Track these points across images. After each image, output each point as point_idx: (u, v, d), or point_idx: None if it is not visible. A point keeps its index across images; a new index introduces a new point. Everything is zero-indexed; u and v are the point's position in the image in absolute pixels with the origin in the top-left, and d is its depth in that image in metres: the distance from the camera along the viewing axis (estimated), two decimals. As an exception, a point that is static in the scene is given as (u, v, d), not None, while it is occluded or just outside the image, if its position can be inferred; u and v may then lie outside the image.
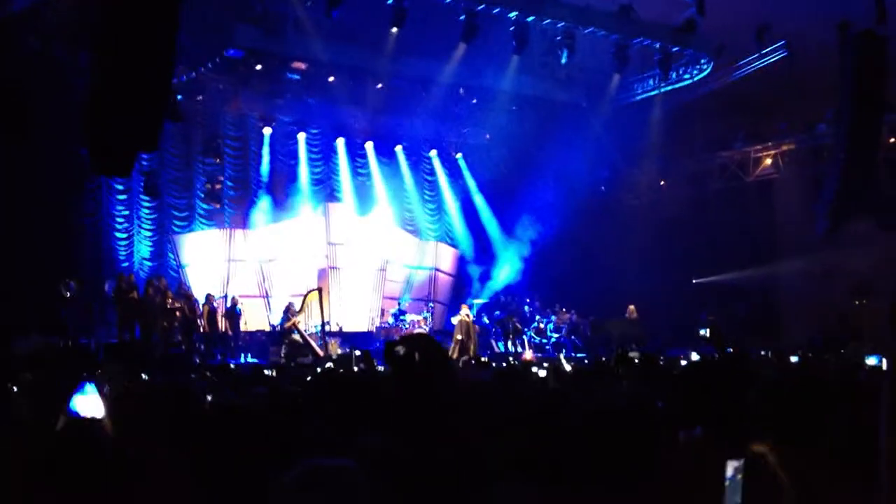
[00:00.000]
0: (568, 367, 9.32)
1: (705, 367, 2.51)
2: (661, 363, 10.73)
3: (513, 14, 20.34)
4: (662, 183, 28.45)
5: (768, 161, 27.10)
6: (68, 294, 19.18)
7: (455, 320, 22.44)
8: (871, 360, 11.81)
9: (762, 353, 16.23)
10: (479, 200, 27.56)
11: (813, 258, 24.05)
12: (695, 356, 16.33)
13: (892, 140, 23.89)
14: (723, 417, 2.45)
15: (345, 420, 3.93)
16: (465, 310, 22.46)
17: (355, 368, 14.48)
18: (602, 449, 2.68)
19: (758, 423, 2.59)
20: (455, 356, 20.45)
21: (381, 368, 11.69)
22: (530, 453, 3.14)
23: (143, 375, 10.59)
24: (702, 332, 23.06)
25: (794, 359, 11.78)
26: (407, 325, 23.17)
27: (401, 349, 3.31)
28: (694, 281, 26.76)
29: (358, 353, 15.31)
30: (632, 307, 24.26)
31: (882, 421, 2.30)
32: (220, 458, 2.98)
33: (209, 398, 6.90)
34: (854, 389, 4.04)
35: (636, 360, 10.46)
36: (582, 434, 2.74)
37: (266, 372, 9.95)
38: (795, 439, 2.59)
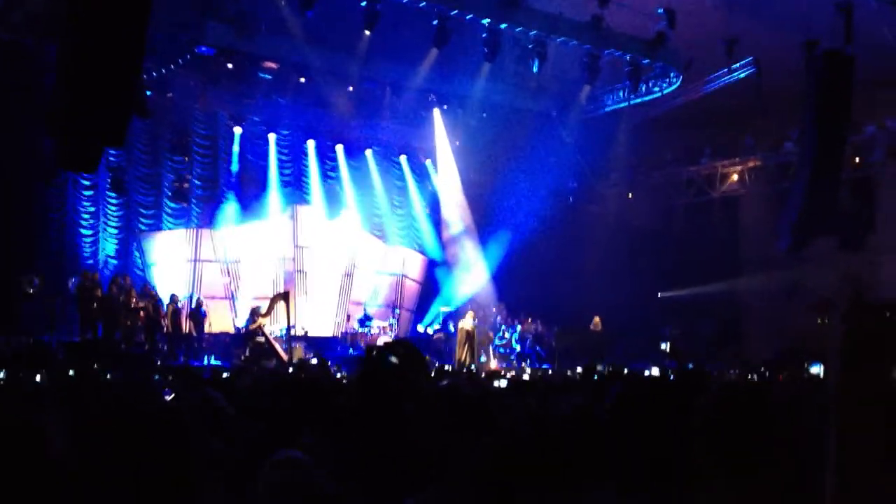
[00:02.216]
0: (526, 377, 9.37)
1: (645, 385, 2.51)
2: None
3: (485, 21, 20.39)
4: (630, 195, 28.63)
5: (735, 177, 27.37)
6: (31, 290, 18.98)
7: (459, 325, 22.56)
8: (814, 369, 11.91)
9: (731, 371, 16.34)
10: (447, 206, 27.53)
11: (775, 275, 24.29)
12: (655, 370, 16.47)
13: (857, 160, 24.20)
14: (662, 438, 2.46)
15: (291, 421, 3.94)
16: (470, 316, 22.53)
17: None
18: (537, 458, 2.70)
19: (699, 442, 2.60)
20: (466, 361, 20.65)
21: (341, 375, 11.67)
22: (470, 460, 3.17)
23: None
24: (662, 345, 23.15)
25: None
26: (372, 331, 23.12)
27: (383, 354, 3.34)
28: (659, 295, 26.92)
29: (315, 360, 15.28)
30: (597, 319, 24.37)
31: (827, 430, 2.33)
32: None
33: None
34: (798, 406, 4.08)
35: (605, 373, 10.53)
36: (519, 443, 2.76)
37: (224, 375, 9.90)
38: (735, 460, 2.61)
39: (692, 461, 2.53)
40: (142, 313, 20.26)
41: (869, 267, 23.65)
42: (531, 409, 4.90)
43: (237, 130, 24.28)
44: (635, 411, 2.40)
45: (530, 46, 21.53)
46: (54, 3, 17.61)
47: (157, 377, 11.40)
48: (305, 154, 25.70)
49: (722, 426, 2.58)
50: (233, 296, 23.56)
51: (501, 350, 24.37)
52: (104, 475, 2.93)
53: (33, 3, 18.80)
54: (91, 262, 22.17)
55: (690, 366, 17.58)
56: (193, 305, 21.41)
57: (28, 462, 2.88)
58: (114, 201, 22.78)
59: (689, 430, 2.49)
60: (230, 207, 24.15)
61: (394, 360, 3.40)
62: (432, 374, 12.71)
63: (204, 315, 21.27)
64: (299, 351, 20.71)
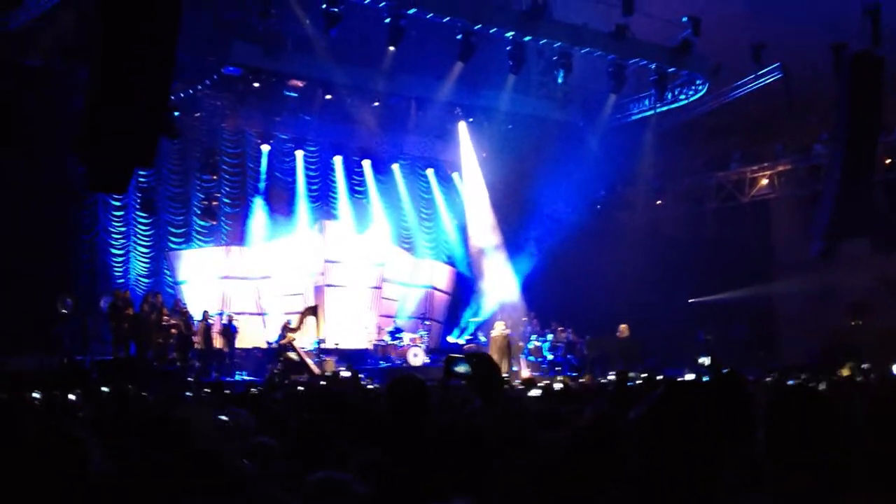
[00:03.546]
0: (558, 386, 9.33)
1: (691, 388, 2.48)
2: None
3: (509, 34, 20.43)
4: (659, 202, 28.51)
5: (764, 181, 27.16)
6: (64, 310, 19.14)
7: (492, 335, 22.46)
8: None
9: (767, 378, 16.18)
10: (475, 218, 27.48)
11: (809, 278, 24.06)
12: (690, 376, 16.33)
13: (888, 161, 23.95)
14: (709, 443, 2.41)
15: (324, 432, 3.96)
16: (500, 325, 22.44)
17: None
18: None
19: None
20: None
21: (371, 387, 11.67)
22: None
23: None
24: (701, 359, 22.79)
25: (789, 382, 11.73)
26: (403, 343, 23.13)
27: (462, 368, 3.37)
28: (690, 301, 26.75)
29: (347, 373, 15.29)
30: (623, 326, 24.19)
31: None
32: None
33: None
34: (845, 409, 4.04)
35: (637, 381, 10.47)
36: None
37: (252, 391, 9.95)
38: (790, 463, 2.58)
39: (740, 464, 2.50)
40: (173, 331, 20.37)
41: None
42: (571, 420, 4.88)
43: (265, 148, 24.42)
44: (681, 415, 2.37)
45: (555, 58, 21.56)
46: (83, 27, 17.84)
47: (189, 394, 11.47)
48: (333, 170, 25.82)
49: (781, 430, 2.58)
50: (263, 311, 23.67)
51: (532, 358, 24.29)
52: (138, 490, 2.96)
53: (62, 28, 19.05)
54: (122, 281, 22.32)
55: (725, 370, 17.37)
56: (224, 322, 21.51)
57: (68, 477, 2.91)
58: (144, 221, 22.95)
59: (733, 434, 2.46)
60: (259, 224, 24.29)
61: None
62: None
63: (235, 331, 21.35)
64: (330, 364, 20.75)
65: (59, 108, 19.13)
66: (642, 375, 12.68)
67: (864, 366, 16.13)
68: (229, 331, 21.23)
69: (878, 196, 22.53)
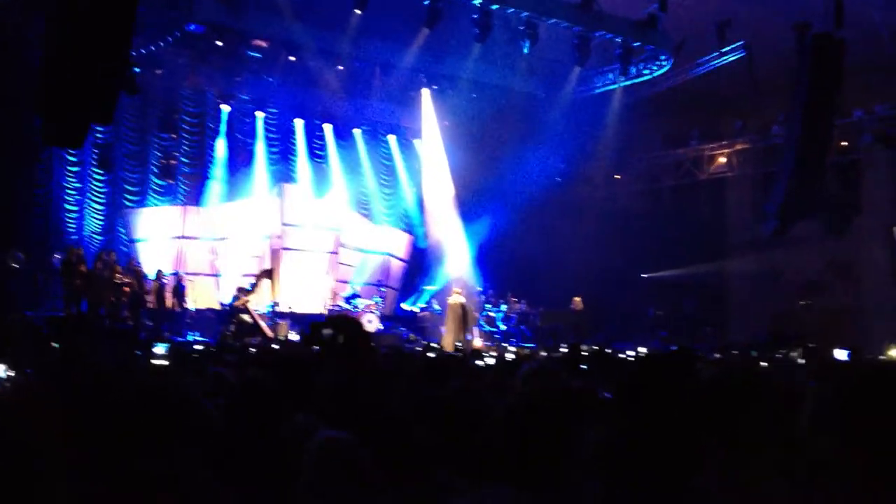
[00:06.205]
0: (510, 357, 9.41)
1: (654, 362, 2.49)
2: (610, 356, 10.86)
3: (476, 1, 20.33)
4: (617, 177, 28.65)
5: (722, 160, 27.41)
6: (15, 265, 18.88)
7: (450, 302, 22.31)
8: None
9: (714, 354, 16.43)
10: (435, 186, 27.45)
11: (761, 257, 24.40)
12: (643, 350, 16.52)
13: (844, 143, 24.27)
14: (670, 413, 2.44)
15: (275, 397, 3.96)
16: (456, 293, 22.23)
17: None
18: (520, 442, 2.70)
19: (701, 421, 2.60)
20: (450, 344, 20.28)
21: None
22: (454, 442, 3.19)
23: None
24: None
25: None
26: (358, 309, 23.11)
27: (328, 331, 3.36)
28: (644, 275, 27.01)
29: (297, 337, 15.24)
30: (577, 298, 24.38)
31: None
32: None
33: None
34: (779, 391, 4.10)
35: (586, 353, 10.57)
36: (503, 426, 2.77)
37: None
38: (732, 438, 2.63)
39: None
40: (126, 289, 20.20)
41: (854, 251, 23.81)
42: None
43: (225, 108, 24.17)
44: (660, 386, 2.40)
45: (521, 27, 21.49)
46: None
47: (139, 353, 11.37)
48: (293, 133, 25.61)
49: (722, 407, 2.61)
50: (217, 272, 23.53)
51: (486, 329, 24.40)
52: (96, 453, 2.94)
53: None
54: (76, 237, 22.08)
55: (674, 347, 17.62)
56: (175, 282, 21.37)
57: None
58: (99, 177, 22.67)
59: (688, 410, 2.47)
60: (217, 185, 24.10)
61: (327, 331, 3.42)
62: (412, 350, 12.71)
63: (183, 290, 21.21)
64: (284, 327, 20.70)
65: (15, 60, 18.73)
66: (592, 348, 12.79)
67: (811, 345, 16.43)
68: (178, 290, 21.11)
69: (831, 178, 22.83)
